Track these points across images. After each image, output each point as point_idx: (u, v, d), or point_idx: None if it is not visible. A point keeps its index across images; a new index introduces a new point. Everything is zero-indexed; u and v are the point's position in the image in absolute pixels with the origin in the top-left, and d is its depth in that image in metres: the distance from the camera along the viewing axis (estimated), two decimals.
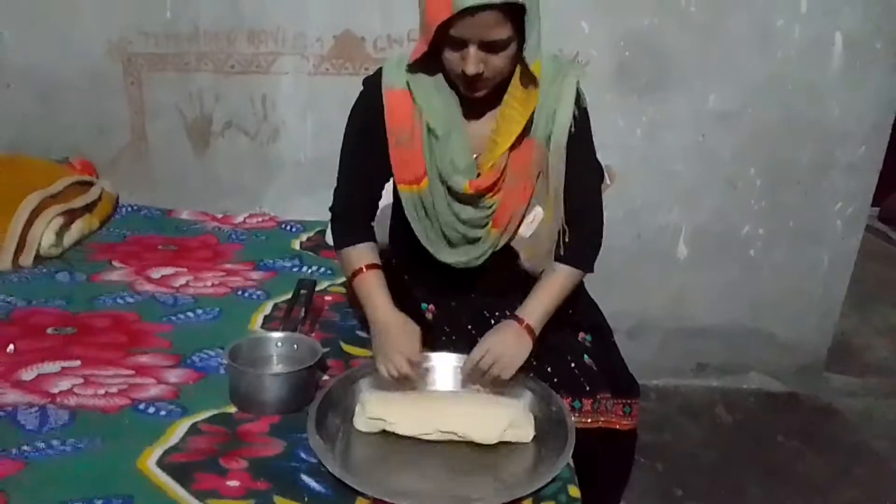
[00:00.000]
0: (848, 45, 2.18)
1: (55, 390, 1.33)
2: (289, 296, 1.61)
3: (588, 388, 1.37)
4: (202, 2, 2.17)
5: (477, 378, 1.32)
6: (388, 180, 1.42)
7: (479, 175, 1.32)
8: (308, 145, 2.31)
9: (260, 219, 2.32)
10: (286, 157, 2.34)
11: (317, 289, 1.64)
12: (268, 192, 2.38)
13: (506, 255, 1.41)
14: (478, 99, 1.26)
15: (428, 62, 1.24)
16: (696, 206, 2.38)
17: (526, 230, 1.38)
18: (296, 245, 2.14)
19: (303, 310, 1.52)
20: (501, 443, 1.22)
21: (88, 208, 2.14)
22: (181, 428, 1.24)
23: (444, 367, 1.39)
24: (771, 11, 2.14)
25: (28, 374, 1.38)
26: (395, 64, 1.32)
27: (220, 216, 2.32)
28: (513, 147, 1.30)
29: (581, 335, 1.49)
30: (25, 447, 1.16)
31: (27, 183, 2.01)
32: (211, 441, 1.21)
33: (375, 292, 1.36)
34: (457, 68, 1.20)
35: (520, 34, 1.17)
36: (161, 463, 1.14)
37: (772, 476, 2.15)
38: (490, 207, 1.35)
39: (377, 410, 1.23)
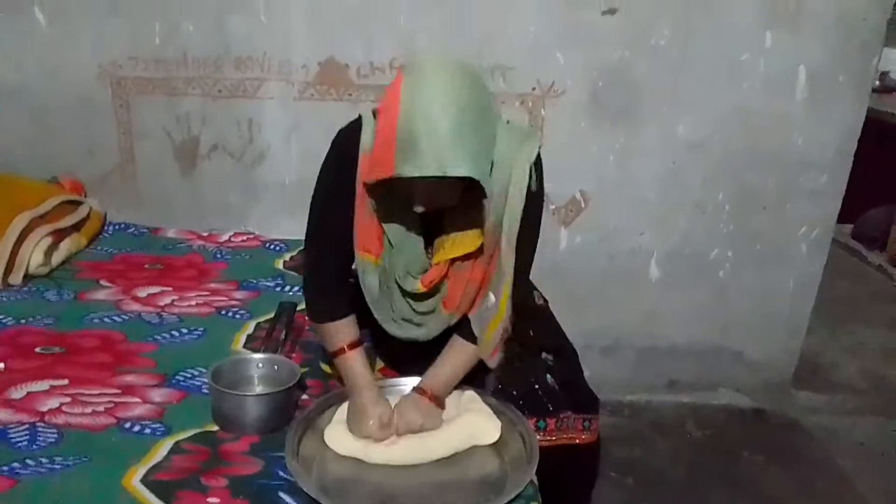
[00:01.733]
0: (811, 78, 2.28)
1: (44, 409, 1.39)
2: (271, 315, 1.67)
3: (551, 408, 1.44)
4: (190, 29, 2.23)
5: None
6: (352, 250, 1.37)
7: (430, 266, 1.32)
8: (293, 168, 2.38)
9: (244, 238, 2.38)
10: (271, 179, 2.40)
11: (298, 309, 1.70)
12: (253, 213, 2.44)
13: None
14: None
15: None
16: (667, 230, 2.47)
17: (479, 315, 1.37)
18: (279, 264, 2.20)
19: (283, 332, 1.58)
20: (470, 461, 1.29)
21: (76, 227, 2.20)
22: (165, 446, 1.29)
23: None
24: (736, 46, 2.24)
25: (18, 393, 1.44)
26: (369, 124, 1.25)
27: (205, 234, 2.38)
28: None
29: (543, 355, 1.55)
30: (16, 464, 1.22)
31: (16, 203, 2.07)
32: (193, 459, 1.26)
33: (356, 373, 1.36)
34: (406, 193, 1.18)
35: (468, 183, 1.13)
36: (145, 481, 1.19)
37: (737, 490, 2.23)
38: (438, 295, 1.36)
39: (347, 447, 1.30)
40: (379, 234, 1.30)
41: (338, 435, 1.31)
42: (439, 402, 1.36)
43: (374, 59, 2.26)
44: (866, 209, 4.28)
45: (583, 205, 2.42)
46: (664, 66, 2.26)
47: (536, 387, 1.47)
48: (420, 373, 1.41)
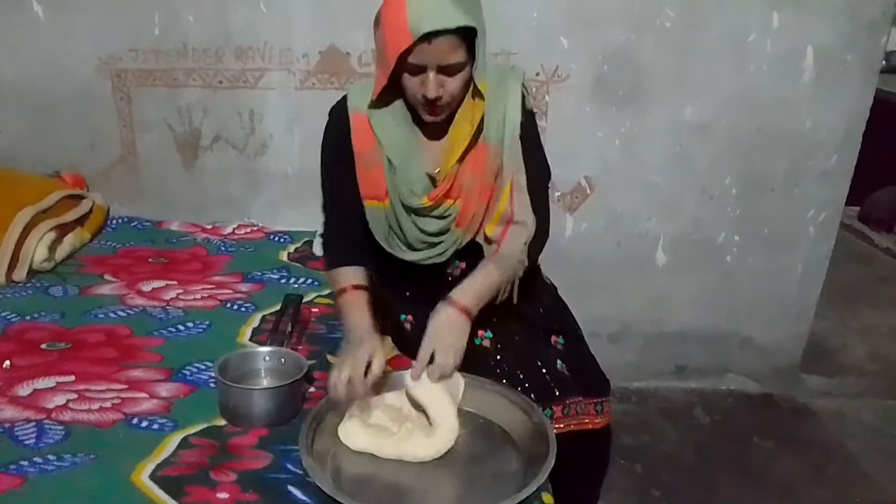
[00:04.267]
0: (819, 59, 2.25)
1: (50, 406, 1.38)
2: (277, 307, 1.66)
3: (558, 394, 1.44)
4: (190, 19, 2.21)
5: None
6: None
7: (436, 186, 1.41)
8: (295, 158, 2.37)
9: (248, 230, 2.37)
10: (273, 169, 2.39)
11: (303, 301, 1.69)
12: (256, 204, 2.43)
13: (474, 256, 1.46)
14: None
15: (386, 93, 1.33)
16: (674, 215, 2.45)
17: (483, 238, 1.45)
18: (283, 256, 2.19)
19: (290, 324, 1.57)
20: (486, 457, 1.28)
21: (80, 221, 2.19)
22: (173, 442, 1.28)
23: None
24: (743, 27, 2.21)
25: (24, 390, 1.43)
26: (359, 89, 1.41)
27: (209, 227, 2.37)
28: (466, 153, 1.37)
29: (553, 338, 1.55)
30: (24, 462, 1.21)
31: (19, 198, 2.06)
32: (201, 454, 1.25)
33: (354, 310, 1.41)
34: (417, 94, 1.28)
35: (471, 57, 1.26)
36: (154, 476, 1.18)
37: (746, 476, 2.22)
38: (451, 215, 1.43)
39: (360, 442, 1.28)
40: (378, 177, 1.41)
41: (351, 431, 1.30)
42: (470, 316, 1.35)
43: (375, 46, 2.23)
44: (873, 191, 4.26)
45: (588, 191, 2.40)
46: (670, 48, 2.23)
47: (544, 371, 1.46)
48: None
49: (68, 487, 1.16)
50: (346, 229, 1.50)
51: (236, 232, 2.36)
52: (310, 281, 2.01)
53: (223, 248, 2.23)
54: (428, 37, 1.18)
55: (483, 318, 1.46)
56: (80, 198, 2.25)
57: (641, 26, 2.21)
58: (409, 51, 1.20)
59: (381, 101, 1.34)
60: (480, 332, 1.50)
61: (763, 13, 2.20)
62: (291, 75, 2.27)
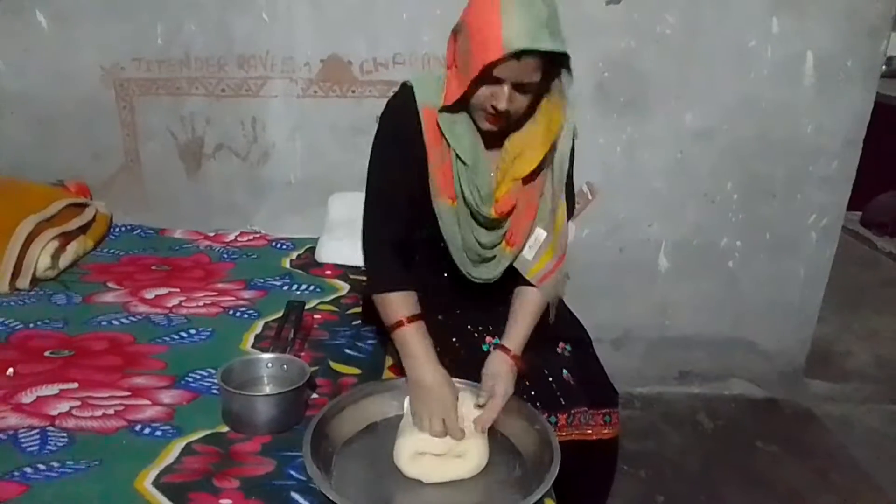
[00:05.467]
0: (819, 64, 2.25)
1: (54, 413, 1.38)
2: (279, 314, 1.66)
3: (563, 403, 1.42)
4: (193, 28, 2.23)
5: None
6: (422, 208, 1.42)
7: (496, 199, 1.39)
8: (297, 166, 2.37)
9: (251, 237, 2.38)
10: (276, 177, 2.39)
11: (306, 307, 1.69)
12: (259, 212, 2.44)
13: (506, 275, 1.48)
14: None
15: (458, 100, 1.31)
16: (676, 221, 2.46)
17: (528, 252, 1.44)
18: (286, 263, 2.20)
19: (292, 331, 1.57)
20: (490, 464, 1.28)
21: (83, 229, 2.20)
22: (176, 448, 1.29)
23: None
24: (743, 33, 2.22)
25: (28, 398, 1.43)
26: (422, 82, 1.37)
27: (211, 234, 2.38)
28: (534, 174, 1.37)
29: (561, 346, 1.54)
30: (27, 469, 1.21)
31: (23, 207, 2.06)
32: (205, 461, 1.26)
33: (417, 348, 1.35)
34: (486, 104, 1.26)
35: (545, 80, 1.26)
36: (157, 483, 1.19)
37: (751, 481, 2.21)
38: (503, 229, 1.42)
39: (412, 471, 1.27)
40: (449, 176, 1.37)
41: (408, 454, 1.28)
42: (519, 362, 1.40)
43: (377, 54, 2.25)
44: (874, 195, 4.26)
45: (590, 197, 2.40)
46: (670, 54, 2.24)
47: (550, 380, 1.45)
48: (451, 321, 1.52)
49: (72, 494, 1.17)
50: (398, 238, 1.41)
51: (239, 239, 2.36)
52: (312, 288, 2.02)
53: (226, 256, 2.23)
54: (519, 54, 1.17)
55: (491, 324, 1.48)
56: (84, 206, 2.26)
57: (642, 33, 2.22)
58: (495, 63, 1.19)
59: (450, 105, 1.32)
60: (488, 339, 1.50)
61: (763, 19, 2.20)
62: (293, 84, 2.28)
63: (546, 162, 1.37)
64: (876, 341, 3.12)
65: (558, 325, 1.54)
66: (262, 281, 2.05)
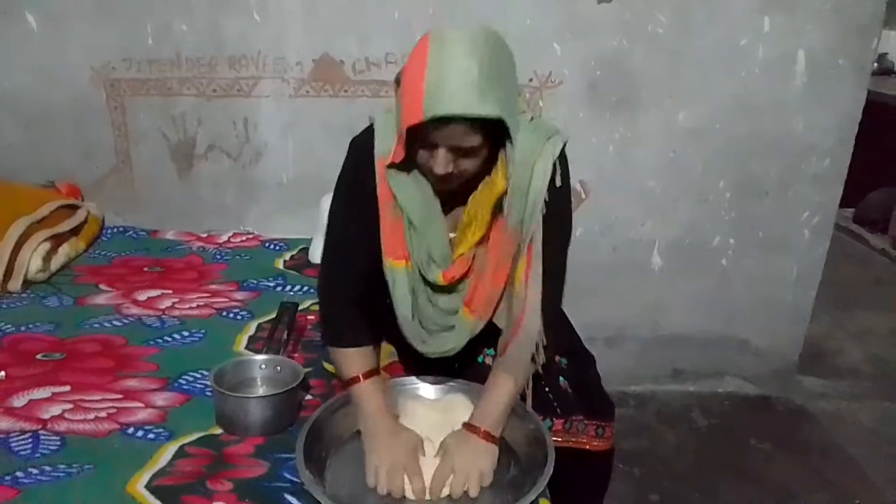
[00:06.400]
0: (810, 62, 2.26)
1: (46, 416, 1.37)
2: (272, 315, 1.66)
3: (559, 411, 1.41)
4: (183, 28, 2.22)
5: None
6: (374, 260, 1.34)
7: (453, 261, 1.30)
8: (290, 166, 2.37)
9: (243, 238, 2.37)
10: (268, 177, 2.39)
11: (299, 308, 1.69)
12: (251, 212, 2.43)
13: (480, 341, 1.40)
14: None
15: (406, 158, 1.20)
16: (669, 219, 2.46)
17: (502, 320, 1.35)
18: (279, 264, 2.19)
19: (286, 332, 1.57)
20: None
21: (74, 231, 2.19)
22: (168, 451, 1.28)
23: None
24: (735, 32, 2.22)
25: (19, 401, 1.42)
26: (386, 125, 1.26)
27: (204, 235, 2.37)
28: (486, 236, 1.27)
29: (557, 358, 1.48)
30: (19, 473, 1.20)
31: (13, 209, 2.05)
32: (197, 463, 1.25)
33: (370, 404, 1.29)
34: (426, 166, 1.18)
35: (492, 139, 1.15)
36: (149, 486, 1.18)
37: (745, 479, 2.22)
38: (461, 291, 1.33)
39: None
40: (401, 237, 1.29)
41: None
42: (495, 439, 1.26)
43: (369, 54, 2.24)
44: (867, 192, 4.28)
45: (583, 196, 2.41)
46: (662, 53, 2.24)
47: (547, 389, 1.43)
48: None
49: (64, 498, 1.16)
50: (352, 288, 1.34)
51: (231, 240, 2.36)
52: (305, 288, 2.01)
53: (218, 257, 2.22)
54: (441, 119, 1.07)
55: (487, 337, 1.40)
56: (75, 208, 2.25)
57: (633, 32, 2.22)
58: (420, 127, 1.10)
59: (399, 165, 1.21)
60: (483, 351, 1.47)
61: (754, 18, 2.21)
62: (285, 83, 2.28)
63: (505, 216, 1.24)
64: (869, 338, 3.13)
65: (557, 339, 1.44)
66: (255, 282, 2.04)
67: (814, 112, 2.32)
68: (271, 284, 2.04)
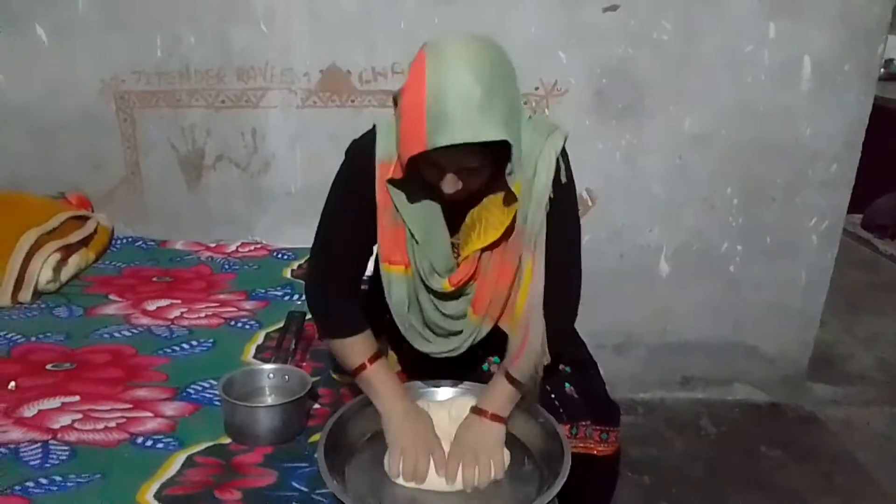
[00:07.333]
0: (816, 68, 2.26)
1: (56, 426, 1.38)
2: (281, 324, 1.66)
3: (565, 417, 1.40)
4: (192, 40, 2.24)
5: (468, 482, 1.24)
6: (372, 256, 1.36)
7: (458, 265, 1.30)
8: (298, 176, 2.38)
9: (252, 247, 2.38)
10: (277, 188, 2.40)
11: (307, 318, 1.69)
12: (260, 222, 2.45)
13: (487, 344, 1.39)
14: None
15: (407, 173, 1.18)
16: (676, 226, 2.46)
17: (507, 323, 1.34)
18: (287, 273, 2.20)
19: (293, 341, 1.57)
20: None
21: (84, 242, 2.20)
22: (178, 460, 1.29)
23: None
24: (740, 38, 2.22)
25: (30, 411, 1.43)
26: (385, 133, 1.24)
27: (213, 245, 2.38)
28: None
29: (561, 367, 1.48)
30: (29, 483, 1.21)
31: (24, 220, 2.07)
32: (207, 473, 1.26)
33: (383, 385, 1.31)
34: (434, 183, 1.17)
35: (496, 157, 1.14)
36: (159, 496, 1.19)
37: (755, 487, 2.21)
38: (469, 294, 1.33)
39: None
40: (403, 245, 1.28)
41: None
42: (503, 421, 1.28)
43: (375, 64, 2.25)
44: (875, 198, 4.26)
45: (590, 203, 2.41)
46: (667, 60, 2.25)
47: (553, 395, 1.43)
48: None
49: None
50: (344, 282, 1.35)
51: (240, 250, 2.37)
52: None
53: (227, 267, 2.24)
54: (445, 147, 1.05)
55: (491, 344, 1.40)
56: (85, 219, 2.26)
57: (639, 40, 2.22)
58: (421, 156, 1.09)
59: (401, 180, 1.20)
60: (489, 358, 1.47)
61: (760, 24, 2.21)
62: (293, 94, 2.29)
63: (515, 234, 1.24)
64: (878, 344, 3.11)
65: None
66: (263, 291, 2.05)
67: (820, 118, 2.31)
68: (279, 294, 2.05)
